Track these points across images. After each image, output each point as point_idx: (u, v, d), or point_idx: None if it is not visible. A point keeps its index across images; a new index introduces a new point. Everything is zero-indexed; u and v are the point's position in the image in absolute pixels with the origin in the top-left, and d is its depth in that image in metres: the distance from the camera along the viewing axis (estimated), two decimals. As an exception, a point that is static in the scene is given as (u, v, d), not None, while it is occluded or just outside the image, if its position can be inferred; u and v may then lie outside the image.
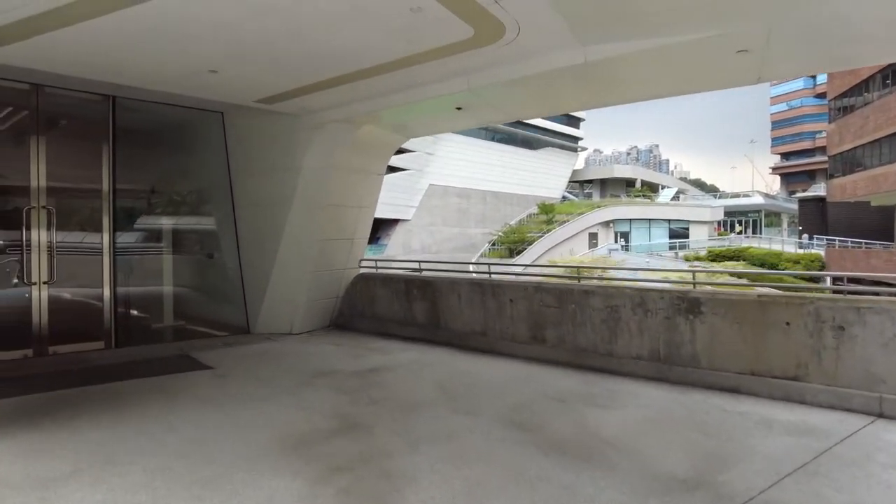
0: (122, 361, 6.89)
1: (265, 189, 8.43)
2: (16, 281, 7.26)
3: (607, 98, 7.35)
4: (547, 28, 5.09)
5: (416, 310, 8.26)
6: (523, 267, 13.61)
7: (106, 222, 7.71)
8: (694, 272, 7.08)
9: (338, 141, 8.03)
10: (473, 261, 30.99)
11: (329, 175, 8.15)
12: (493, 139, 48.34)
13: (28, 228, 7.08)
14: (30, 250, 7.12)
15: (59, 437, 4.29)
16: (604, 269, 12.04)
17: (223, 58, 5.71)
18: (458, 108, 7.22)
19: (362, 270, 9.51)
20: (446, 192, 44.70)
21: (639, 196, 58.08)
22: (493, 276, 7.69)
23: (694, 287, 6.12)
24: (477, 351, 7.32)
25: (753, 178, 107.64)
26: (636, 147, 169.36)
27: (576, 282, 7.02)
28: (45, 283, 7.17)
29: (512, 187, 50.07)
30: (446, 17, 4.75)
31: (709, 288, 6.07)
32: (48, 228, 7.19)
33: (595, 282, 7.05)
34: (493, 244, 40.16)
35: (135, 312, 8.82)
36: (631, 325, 6.17)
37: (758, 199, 56.46)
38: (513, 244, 38.23)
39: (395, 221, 40.24)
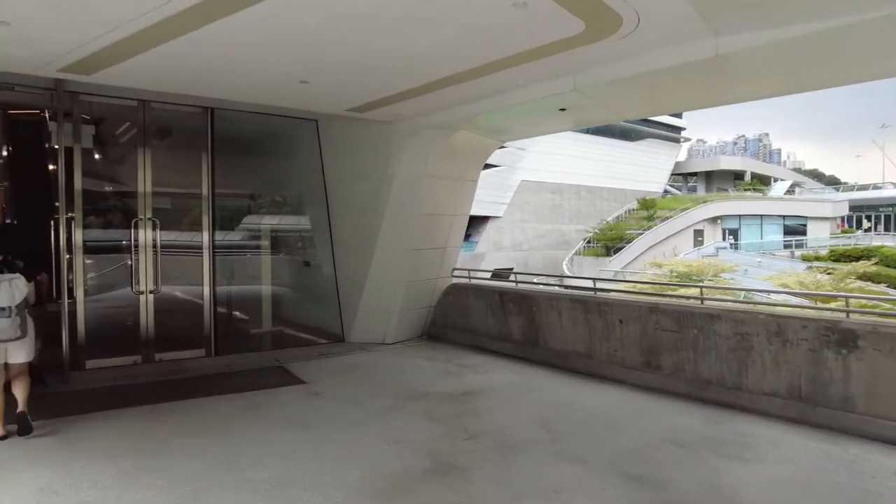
0: (219, 372, 6.96)
1: (359, 197, 8.27)
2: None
3: (735, 95, 6.43)
4: (672, 17, 4.39)
5: (511, 324, 7.76)
6: (632, 284, 12.49)
7: (206, 228, 7.84)
8: (847, 297, 6.01)
9: (431, 148, 7.70)
10: (570, 273, 30.00)
11: (422, 183, 7.84)
12: (588, 131, 46.47)
13: (136, 239, 7.34)
14: (137, 259, 7.39)
15: (156, 465, 4.23)
16: (729, 289, 10.41)
17: (314, 68, 5.50)
18: (562, 110, 6.61)
19: (455, 280, 9.14)
20: (539, 188, 43.52)
21: (748, 190, 53.69)
22: (598, 292, 7.03)
23: (847, 316, 5.15)
24: (579, 374, 6.71)
25: (884, 167, 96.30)
26: (743, 136, 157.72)
27: (698, 303, 6.21)
28: (150, 291, 7.40)
29: (608, 181, 47.87)
30: (554, 11, 4.20)
31: (869, 318, 5.08)
32: (153, 240, 7.41)
33: (720, 304, 6.21)
34: (589, 241, 38.64)
35: (233, 316, 9.00)
36: (765, 357, 5.32)
37: (891, 192, 50.37)
38: (610, 241, 36.61)
39: (485, 219, 39.77)
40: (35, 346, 4.91)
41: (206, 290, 7.83)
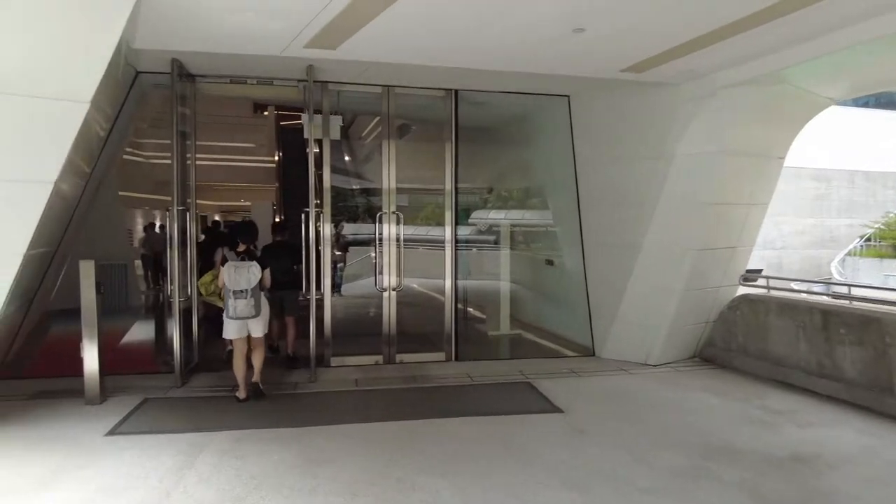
0: (461, 384, 6.14)
1: (621, 184, 6.81)
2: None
3: None
4: None
5: (840, 357, 5.58)
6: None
7: (448, 222, 7.13)
8: None
9: (732, 113, 5.87)
10: (843, 278, 24.35)
11: (712, 163, 6.04)
12: (864, 104, 37.58)
13: (380, 233, 6.94)
14: (381, 254, 7.00)
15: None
16: None
17: (593, 8, 4.22)
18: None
19: (744, 290, 7.12)
20: (798, 175, 36.44)
21: None
22: None
23: None
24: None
25: None
26: None
27: None
28: (394, 288, 6.95)
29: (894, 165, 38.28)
30: None
31: None
32: (397, 235, 6.93)
33: None
34: (868, 239, 31.15)
35: (473, 316, 8.30)
36: None
37: None
38: (902, 240, 28.93)
39: (729, 211, 34.66)
40: (268, 323, 5.64)
41: (448, 288, 7.15)
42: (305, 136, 6.56)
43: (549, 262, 8.21)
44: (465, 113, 7.14)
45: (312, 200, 6.22)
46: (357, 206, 7.77)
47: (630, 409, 5.37)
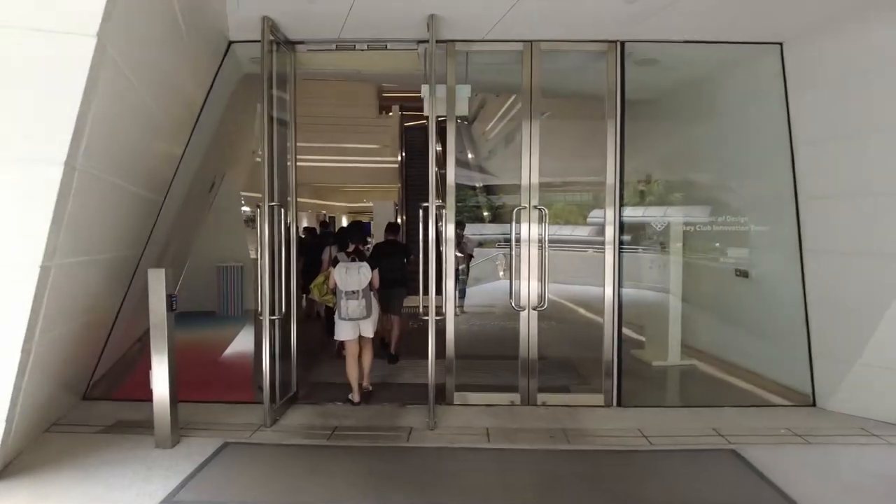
0: (634, 448, 4.37)
1: (876, 166, 4.66)
2: (501, 274, 6.81)
3: None
4: None
5: None
6: None
7: (611, 221, 5.38)
8: None
9: None
10: None
11: None
12: None
13: (517, 234, 5.37)
14: (516, 261, 5.42)
15: None
16: None
17: None
18: None
19: None
20: None
21: None
22: None
23: None
24: None
25: None
26: None
27: None
28: (535, 308, 5.34)
29: None
30: None
31: None
32: (539, 236, 5.32)
33: None
34: None
35: (626, 337, 6.49)
36: None
37: None
38: None
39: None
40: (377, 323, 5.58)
41: (609, 303, 5.37)
42: (426, 112, 5.19)
43: (742, 274, 6.13)
44: (635, 76, 5.38)
45: (432, 191, 4.81)
46: (490, 202, 6.31)
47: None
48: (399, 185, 18.37)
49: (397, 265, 6.59)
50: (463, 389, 5.37)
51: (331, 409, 5.19)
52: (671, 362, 6.41)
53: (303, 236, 8.27)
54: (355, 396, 5.30)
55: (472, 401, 5.34)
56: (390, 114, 23.89)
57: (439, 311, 4.92)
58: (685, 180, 6.70)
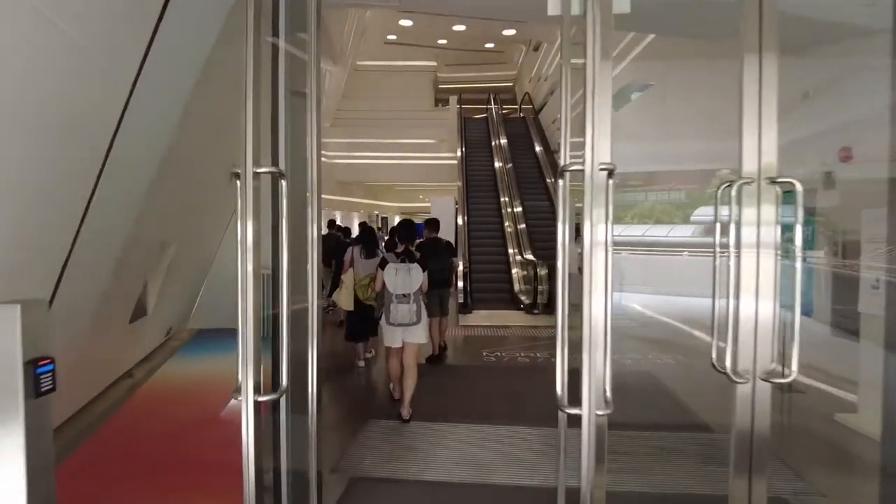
0: None
1: None
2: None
3: None
4: None
5: None
6: None
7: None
8: None
9: None
10: None
11: None
12: None
13: (730, 224, 2.80)
14: (724, 283, 2.84)
15: None
16: None
17: None
18: None
19: None
20: None
21: None
22: None
23: None
24: None
25: None
26: None
27: None
28: (773, 377, 2.75)
29: None
30: None
31: None
32: (775, 241, 2.74)
33: None
34: None
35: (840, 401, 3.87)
36: None
37: None
38: None
39: None
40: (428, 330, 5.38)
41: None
42: (550, 12, 2.80)
43: None
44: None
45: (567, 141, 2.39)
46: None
47: None
48: (459, 182, 16.29)
49: (443, 265, 6.53)
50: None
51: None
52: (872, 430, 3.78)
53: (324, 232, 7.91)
54: (405, 412, 5.07)
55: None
56: (447, 106, 23.19)
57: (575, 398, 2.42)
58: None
